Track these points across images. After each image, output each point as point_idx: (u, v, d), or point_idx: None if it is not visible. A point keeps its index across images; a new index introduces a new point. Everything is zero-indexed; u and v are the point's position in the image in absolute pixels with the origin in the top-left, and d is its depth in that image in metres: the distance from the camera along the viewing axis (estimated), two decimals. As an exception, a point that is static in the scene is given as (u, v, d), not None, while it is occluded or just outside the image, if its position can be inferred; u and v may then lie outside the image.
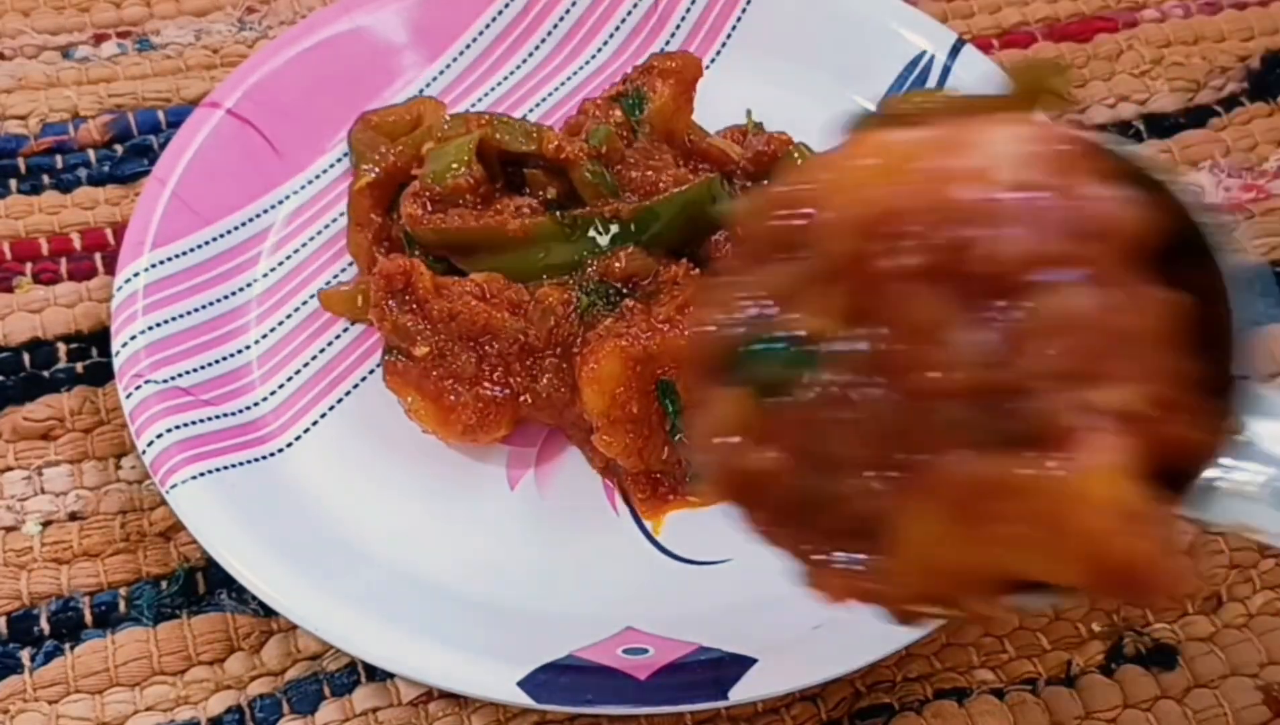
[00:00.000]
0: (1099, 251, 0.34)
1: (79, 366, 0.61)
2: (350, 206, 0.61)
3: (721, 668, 0.49)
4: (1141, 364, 0.34)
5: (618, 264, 0.55)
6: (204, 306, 0.59)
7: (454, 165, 0.58)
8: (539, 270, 0.57)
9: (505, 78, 0.69)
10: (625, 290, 0.56)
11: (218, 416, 0.56)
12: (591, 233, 0.57)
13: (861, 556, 0.36)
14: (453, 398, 0.54)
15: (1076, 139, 0.36)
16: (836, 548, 0.37)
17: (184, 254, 0.60)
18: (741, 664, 0.49)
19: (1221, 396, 0.37)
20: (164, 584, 0.55)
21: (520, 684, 0.48)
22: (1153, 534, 0.33)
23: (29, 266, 0.64)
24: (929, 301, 0.34)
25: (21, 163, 0.68)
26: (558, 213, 0.58)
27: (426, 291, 0.55)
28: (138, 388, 0.55)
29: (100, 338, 0.61)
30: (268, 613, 0.54)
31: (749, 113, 0.64)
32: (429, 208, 0.58)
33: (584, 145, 0.59)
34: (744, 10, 0.70)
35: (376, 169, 0.61)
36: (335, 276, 0.62)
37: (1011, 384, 0.33)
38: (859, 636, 0.50)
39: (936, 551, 0.35)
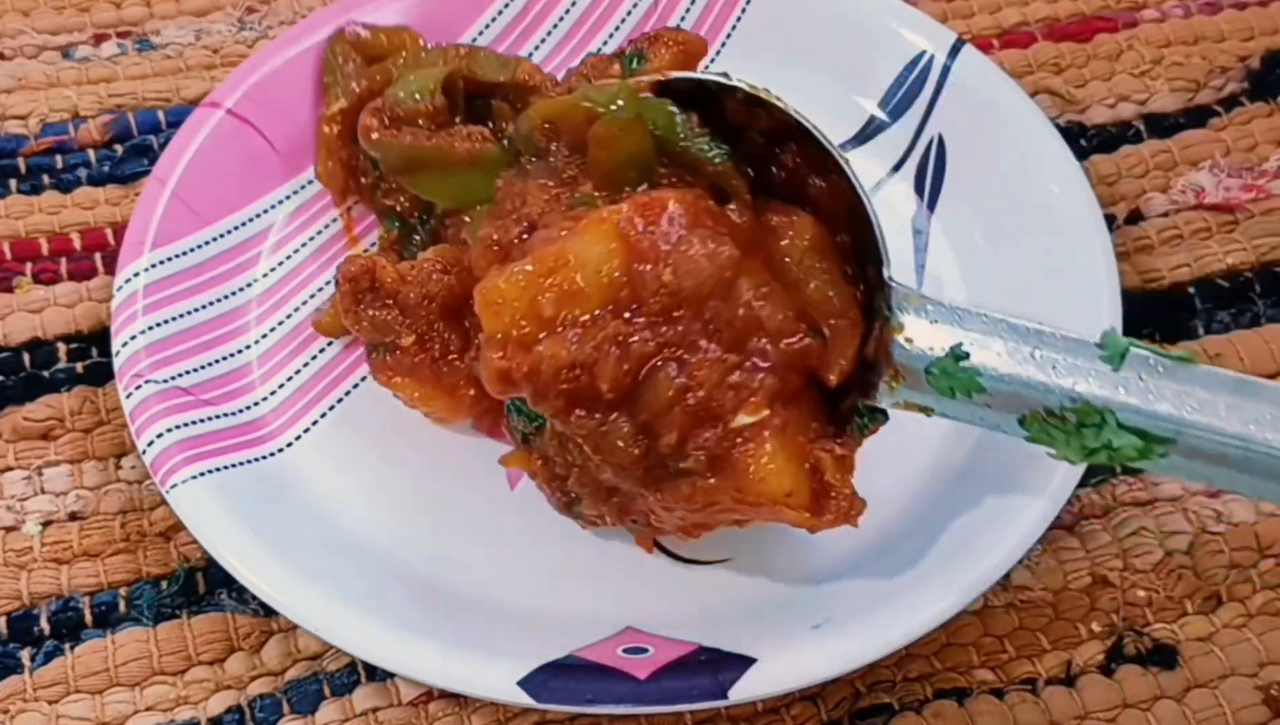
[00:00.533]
0: (699, 307, 0.45)
1: (79, 366, 0.61)
2: (318, 134, 0.62)
3: (721, 668, 0.49)
4: (767, 363, 0.45)
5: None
6: (204, 306, 0.59)
7: (417, 93, 0.59)
8: (484, 196, 0.57)
9: (505, 78, 0.69)
10: None
11: (218, 416, 0.56)
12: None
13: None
14: (450, 375, 0.55)
15: (658, 205, 0.46)
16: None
17: (184, 254, 0.60)
18: (741, 664, 0.49)
19: (879, 294, 0.47)
20: (164, 584, 0.55)
21: (520, 684, 0.48)
22: (832, 498, 0.46)
23: (29, 266, 0.64)
24: (581, 420, 0.46)
25: (21, 163, 0.68)
26: (505, 141, 0.58)
27: (395, 282, 0.55)
28: (138, 388, 0.55)
29: (100, 338, 0.61)
30: (268, 613, 0.54)
31: None
32: (385, 123, 0.59)
33: (552, 76, 0.60)
34: (744, 10, 0.70)
35: (345, 99, 0.62)
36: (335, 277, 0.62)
37: (671, 444, 0.45)
38: (859, 636, 0.50)
39: (694, 528, 0.49)
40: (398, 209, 0.61)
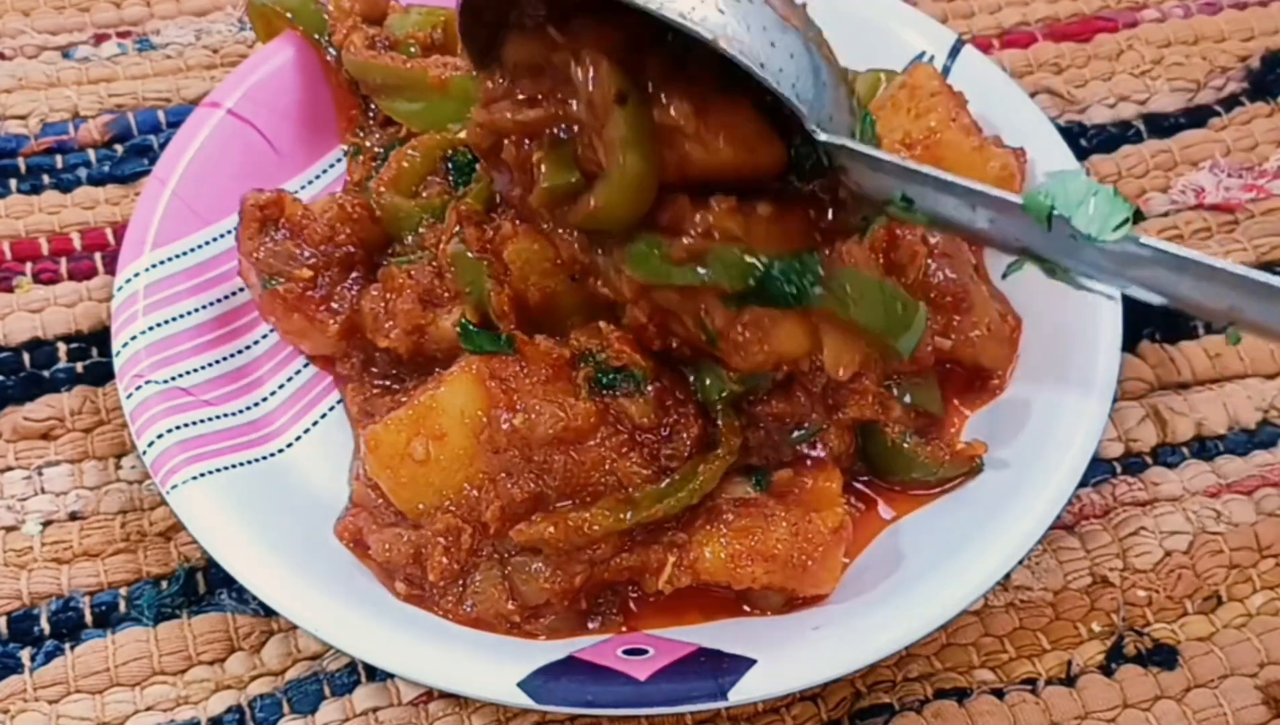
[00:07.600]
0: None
1: (79, 366, 0.61)
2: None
3: (721, 668, 0.49)
4: None
5: None
6: (204, 306, 0.59)
7: (418, 24, 0.63)
8: (449, 120, 0.60)
9: (505, 77, 0.69)
10: None
11: (218, 417, 0.56)
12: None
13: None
14: (329, 311, 0.57)
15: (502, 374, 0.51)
16: None
17: (184, 254, 0.60)
18: (741, 664, 0.49)
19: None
20: (164, 584, 0.55)
21: (520, 684, 0.48)
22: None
23: (29, 266, 0.64)
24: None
25: (21, 163, 0.68)
26: (475, 72, 0.60)
27: (307, 216, 0.58)
28: (138, 388, 0.55)
29: (100, 338, 0.61)
30: (268, 613, 0.54)
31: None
32: (372, 45, 0.63)
33: None
34: (744, 10, 0.70)
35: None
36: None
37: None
38: (859, 637, 0.50)
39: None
40: (369, 144, 0.64)
